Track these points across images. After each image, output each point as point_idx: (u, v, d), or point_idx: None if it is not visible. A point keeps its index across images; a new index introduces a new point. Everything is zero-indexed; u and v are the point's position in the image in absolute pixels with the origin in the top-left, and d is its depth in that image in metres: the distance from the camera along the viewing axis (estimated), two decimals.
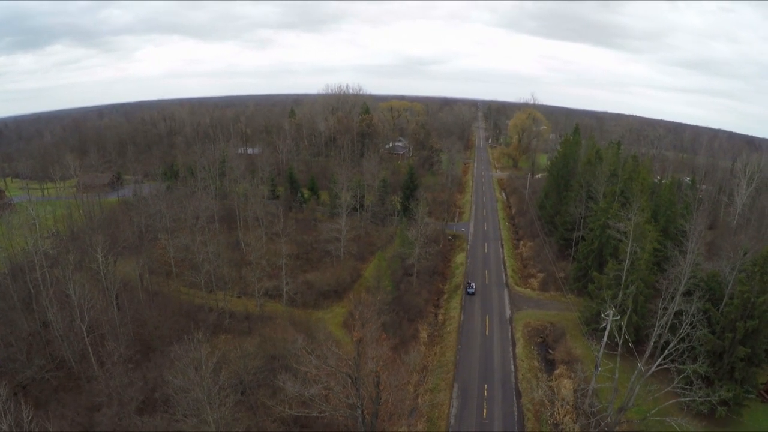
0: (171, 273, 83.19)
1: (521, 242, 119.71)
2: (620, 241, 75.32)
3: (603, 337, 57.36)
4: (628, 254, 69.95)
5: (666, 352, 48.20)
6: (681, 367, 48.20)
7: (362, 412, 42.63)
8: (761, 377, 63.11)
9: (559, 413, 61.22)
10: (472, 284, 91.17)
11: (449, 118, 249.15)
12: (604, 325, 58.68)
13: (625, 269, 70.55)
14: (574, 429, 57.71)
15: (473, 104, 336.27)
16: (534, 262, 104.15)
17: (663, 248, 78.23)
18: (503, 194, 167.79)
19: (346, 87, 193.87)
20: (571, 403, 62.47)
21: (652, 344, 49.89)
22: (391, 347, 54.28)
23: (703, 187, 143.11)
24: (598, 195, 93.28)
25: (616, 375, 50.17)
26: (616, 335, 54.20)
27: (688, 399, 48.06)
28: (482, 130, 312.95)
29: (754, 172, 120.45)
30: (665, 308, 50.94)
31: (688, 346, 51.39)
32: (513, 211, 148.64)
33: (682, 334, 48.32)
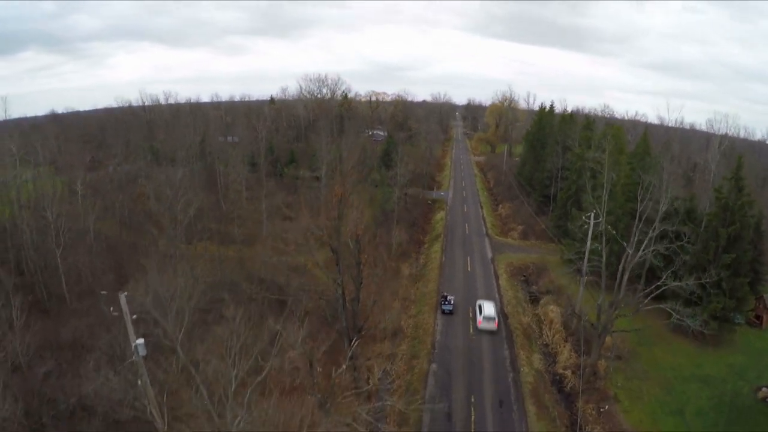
0: (150, 219, 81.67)
1: (500, 206, 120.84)
2: (598, 173, 76.17)
3: (587, 242, 57.97)
4: (605, 183, 70.78)
5: (651, 234, 48.69)
6: (669, 245, 48.76)
7: (342, 293, 41.84)
8: (749, 303, 64.09)
9: (548, 334, 61.37)
10: (450, 299, 64.62)
11: (428, 108, 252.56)
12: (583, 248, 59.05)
13: (604, 201, 71.33)
14: (564, 347, 57.85)
15: (451, 105, 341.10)
16: (513, 219, 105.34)
17: (639, 178, 79.09)
18: (481, 173, 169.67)
19: (325, 77, 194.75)
20: (559, 324, 62.53)
21: (636, 232, 49.83)
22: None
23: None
24: (574, 144, 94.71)
25: (603, 259, 50.32)
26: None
27: (677, 284, 48.24)
28: (460, 127, 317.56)
29: (724, 138, 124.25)
30: (641, 200, 51.20)
31: (673, 232, 51.88)
32: (491, 184, 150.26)
33: (665, 207, 48.89)
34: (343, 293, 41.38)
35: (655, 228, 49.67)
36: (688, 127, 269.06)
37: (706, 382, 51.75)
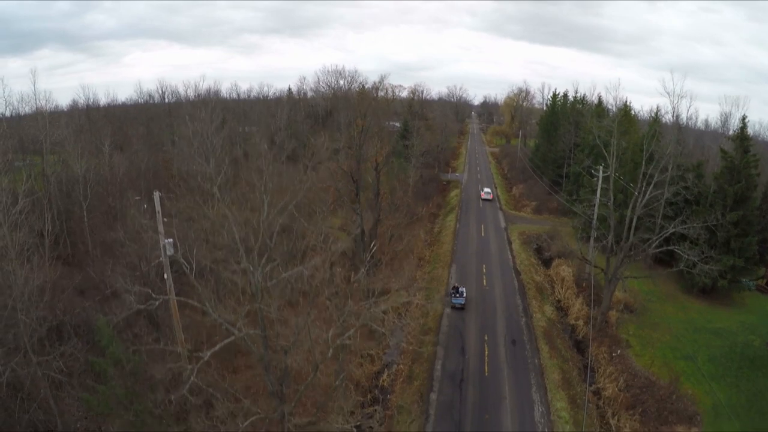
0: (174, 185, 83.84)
1: (513, 187, 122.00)
2: (608, 143, 77.12)
3: (596, 195, 59.19)
4: (613, 150, 71.79)
5: (656, 179, 49.74)
6: (677, 190, 49.83)
7: (361, 222, 43.48)
8: (759, 270, 64.89)
9: (560, 291, 62.50)
10: (462, 290, 55.13)
11: (444, 103, 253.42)
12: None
13: (612, 167, 72.31)
14: (576, 301, 58.90)
15: (467, 102, 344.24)
16: (527, 196, 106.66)
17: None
18: (496, 161, 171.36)
19: (343, 68, 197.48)
20: (571, 281, 63.57)
21: (643, 182, 50.86)
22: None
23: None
24: (585, 121, 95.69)
25: (611, 200, 51.43)
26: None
27: (686, 227, 49.10)
28: (476, 124, 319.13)
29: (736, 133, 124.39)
30: (646, 149, 52.31)
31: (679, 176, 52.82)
32: (505, 170, 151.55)
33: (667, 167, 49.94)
34: (362, 228, 42.95)
35: (667, 168, 50.65)
36: (702, 126, 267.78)
37: (718, 334, 52.20)
